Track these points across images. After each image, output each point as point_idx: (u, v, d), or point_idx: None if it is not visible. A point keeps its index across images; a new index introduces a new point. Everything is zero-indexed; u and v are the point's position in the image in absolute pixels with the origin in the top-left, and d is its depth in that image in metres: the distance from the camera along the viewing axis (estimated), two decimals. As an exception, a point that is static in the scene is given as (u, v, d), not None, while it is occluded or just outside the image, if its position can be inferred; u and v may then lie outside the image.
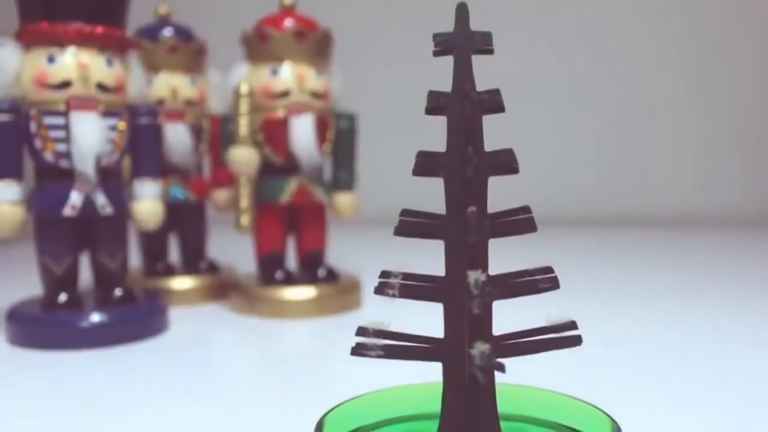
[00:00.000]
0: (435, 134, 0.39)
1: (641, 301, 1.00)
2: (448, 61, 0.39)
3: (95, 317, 0.80)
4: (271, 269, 0.96)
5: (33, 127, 0.78)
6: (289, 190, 0.93)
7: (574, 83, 2.04)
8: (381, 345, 0.38)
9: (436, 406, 0.40)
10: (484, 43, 0.38)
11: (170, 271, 1.03)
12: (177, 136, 0.97)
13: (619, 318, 0.90)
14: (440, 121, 0.39)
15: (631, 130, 2.04)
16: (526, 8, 2.01)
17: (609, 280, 1.16)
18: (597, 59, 2.03)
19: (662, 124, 2.04)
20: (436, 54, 0.39)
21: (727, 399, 0.61)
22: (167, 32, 0.99)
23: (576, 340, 0.38)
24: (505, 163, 0.38)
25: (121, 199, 0.83)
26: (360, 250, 1.21)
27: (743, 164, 2.02)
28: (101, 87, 0.79)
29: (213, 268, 1.06)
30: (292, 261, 1.00)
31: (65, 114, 0.77)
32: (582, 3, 2.03)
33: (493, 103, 0.38)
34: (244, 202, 0.93)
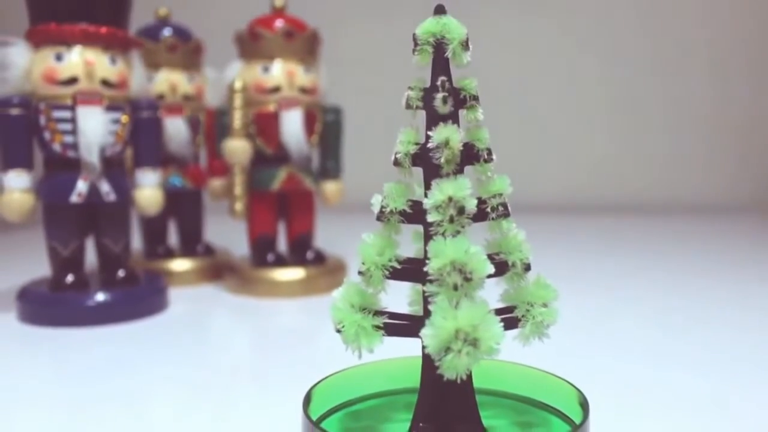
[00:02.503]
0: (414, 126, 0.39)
1: (609, 282, 1.01)
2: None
3: (100, 296, 0.80)
4: (262, 252, 0.96)
5: (42, 120, 0.77)
6: (279, 178, 0.93)
7: (553, 77, 2.04)
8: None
9: (416, 380, 0.40)
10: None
11: (169, 254, 1.03)
12: (175, 129, 0.97)
13: (588, 298, 0.90)
14: (419, 115, 0.39)
15: (607, 122, 2.04)
16: (507, 4, 2.00)
17: (580, 262, 1.17)
18: (576, 55, 2.03)
19: (635, 115, 2.03)
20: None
21: (689, 374, 0.62)
22: (167, 32, 0.99)
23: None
24: (481, 152, 0.38)
25: (123, 187, 0.83)
26: (345, 234, 1.21)
27: (711, 155, 2.02)
28: (105, 83, 0.79)
29: (209, 250, 1.06)
30: (282, 244, 1.00)
31: (72, 108, 0.77)
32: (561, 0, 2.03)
33: (469, 96, 0.39)
34: (238, 189, 0.93)
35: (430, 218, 0.36)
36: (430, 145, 0.37)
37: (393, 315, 0.39)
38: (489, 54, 1.88)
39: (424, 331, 0.34)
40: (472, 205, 0.37)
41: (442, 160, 0.37)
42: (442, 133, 0.37)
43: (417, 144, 0.38)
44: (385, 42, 1.73)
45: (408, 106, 0.39)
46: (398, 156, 0.39)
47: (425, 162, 0.38)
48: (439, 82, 0.38)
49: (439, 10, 0.38)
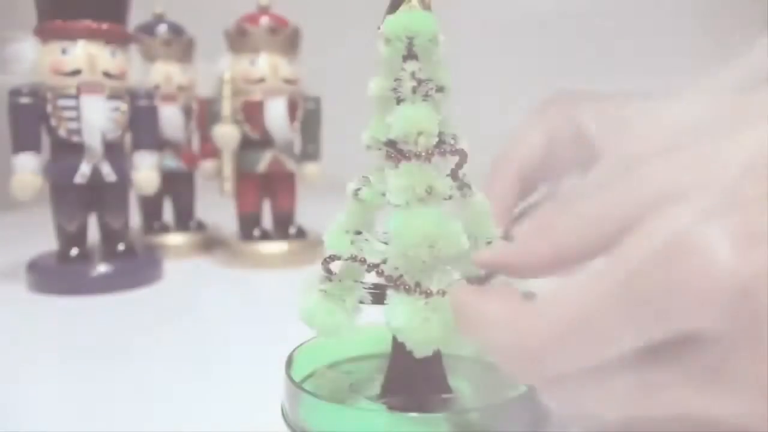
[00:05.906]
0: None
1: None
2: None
3: (102, 268, 0.80)
4: (249, 227, 0.96)
5: (49, 108, 0.77)
6: (264, 161, 0.94)
7: (490, 66, 2.03)
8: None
9: (388, 345, 0.40)
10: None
11: (165, 229, 1.04)
12: (170, 116, 0.97)
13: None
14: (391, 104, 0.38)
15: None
16: None
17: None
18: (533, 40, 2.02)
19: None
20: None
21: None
22: (162, 28, 0.99)
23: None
24: (446, 138, 0.36)
25: (123, 168, 0.83)
26: (324, 211, 1.20)
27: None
28: (107, 74, 0.79)
29: (201, 226, 1.06)
30: (267, 221, 1.00)
31: (76, 97, 0.77)
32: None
33: (437, 87, 0.36)
34: (227, 171, 0.93)
35: (393, 200, 0.35)
36: (398, 132, 0.35)
37: (369, 285, 0.39)
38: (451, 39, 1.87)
39: (387, 316, 0.34)
40: (444, 187, 0.35)
41: (412, 149, 0.35)
42: (411, 119, 0.34)
43: (388, 130, 0.36)
44: (361, 37, 1.72)
45: (378, 97, 0.36)
46: (369, 143, 0.37)
47: (396, 148, 0.36)
48: (408, 72, 0.35)
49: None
